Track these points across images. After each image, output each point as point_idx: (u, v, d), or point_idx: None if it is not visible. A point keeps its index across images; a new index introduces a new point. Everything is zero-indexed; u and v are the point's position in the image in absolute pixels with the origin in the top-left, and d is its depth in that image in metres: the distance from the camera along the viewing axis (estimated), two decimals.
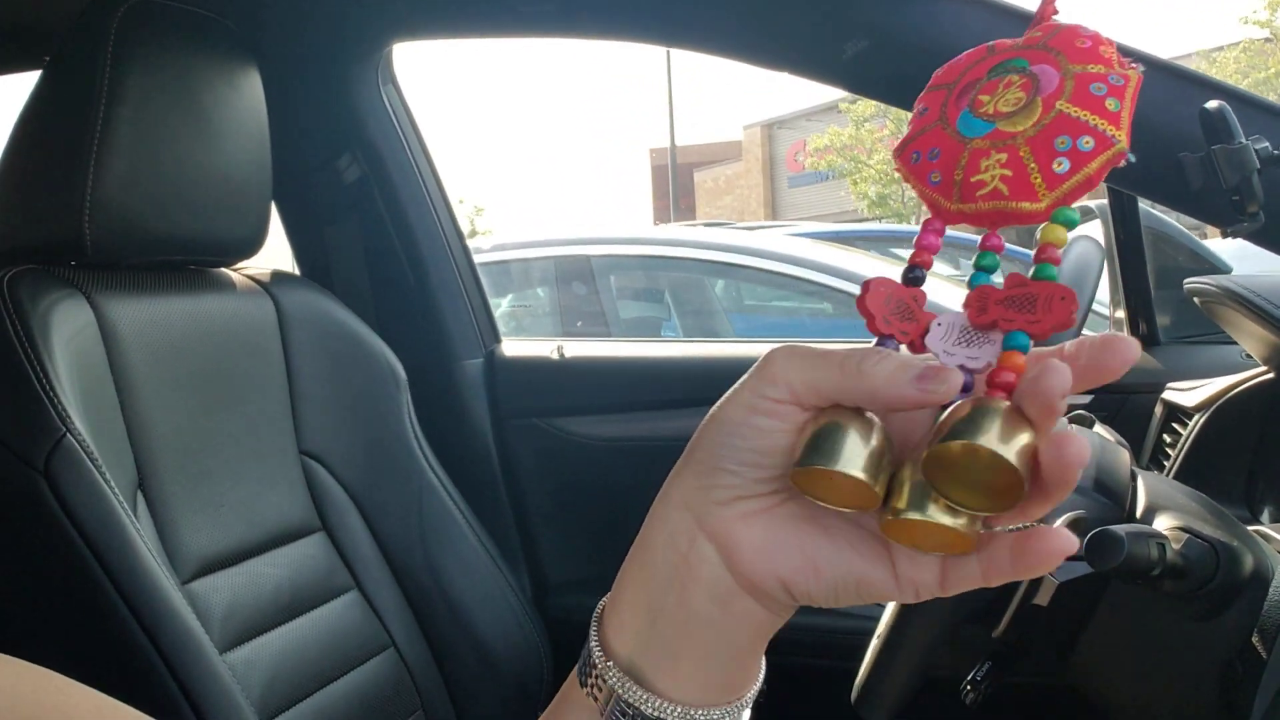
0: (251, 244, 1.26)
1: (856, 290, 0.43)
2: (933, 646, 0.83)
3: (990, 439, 0.35)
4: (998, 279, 0.41)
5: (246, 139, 1.22)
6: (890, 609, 0.88)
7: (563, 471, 1.66)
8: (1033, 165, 0.38)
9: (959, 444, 0.35)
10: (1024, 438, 0.36)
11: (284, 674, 1.16)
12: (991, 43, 0.43)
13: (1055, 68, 0.40)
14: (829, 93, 21.36)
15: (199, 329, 1.19)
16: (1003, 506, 0.37)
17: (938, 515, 0.37)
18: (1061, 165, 0.38)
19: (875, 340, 0.41)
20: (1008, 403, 0.36)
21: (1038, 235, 0.40)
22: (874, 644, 0.90)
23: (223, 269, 1.29)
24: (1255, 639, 0.73)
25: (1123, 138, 0.38)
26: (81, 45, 1.08)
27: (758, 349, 1.73)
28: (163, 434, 1.12)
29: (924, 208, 0.43)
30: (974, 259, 0.41)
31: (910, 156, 0.42)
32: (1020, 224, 0.39)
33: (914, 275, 0.43)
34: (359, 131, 1.55)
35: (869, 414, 0.39)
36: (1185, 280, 0.96)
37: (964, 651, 0.93)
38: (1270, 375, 1.08)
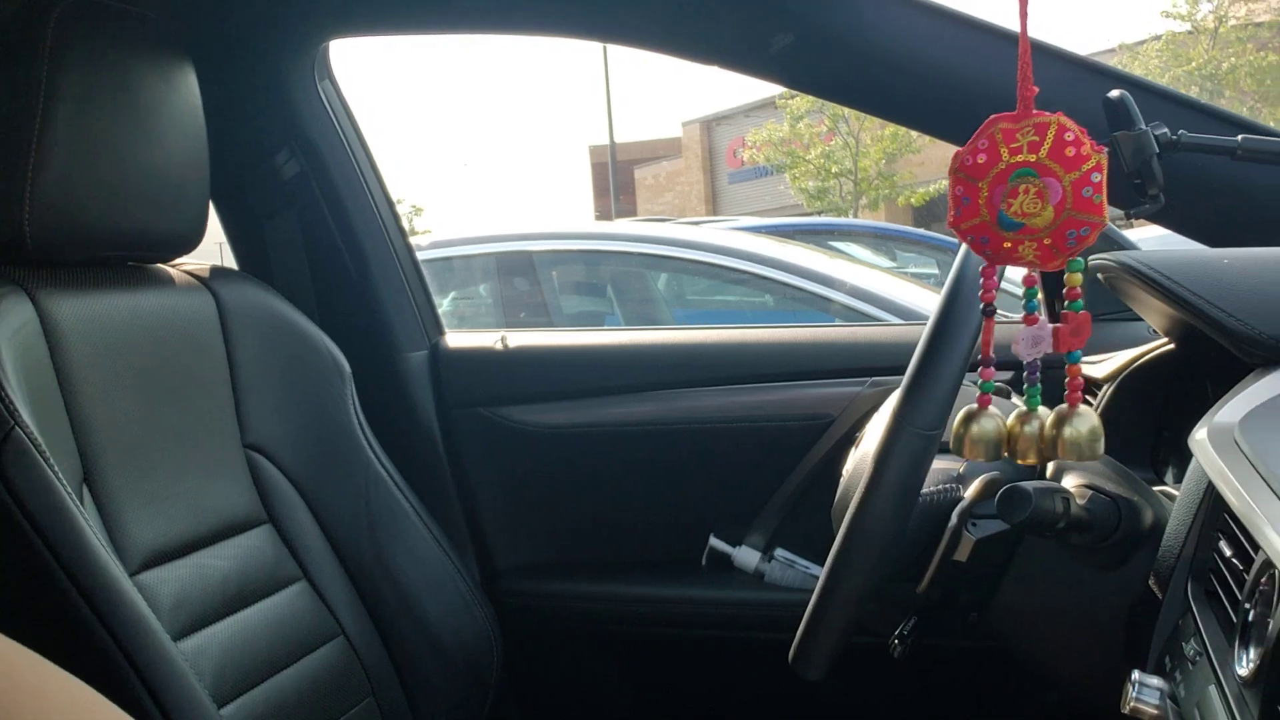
0: (190, 240, 1.27)
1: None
2: (861, 604, 0.88)
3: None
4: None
5: (183, 136, 1.23)
6: (824, 572, 0.92)
7: (509, 459, 1.69)
8: (1055, 249, 0.62)
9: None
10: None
11: (234, 663, 1.17)
12: (1001, 139, 0.63)
13: (1058, 180, 0.61)
14: (766, 89, 21.55)
15: (140, 325, 1.20)
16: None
17: None
18: (1071, 244, 0.62)
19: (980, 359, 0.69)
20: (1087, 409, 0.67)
21: (1065, 278, 0.64)
22: (809, 606, 0.95)
23: (162, 265, 1.30)
24: (1152, 582, 0.79)
25: (1105, 218, 0.61)
26: (18, 45, 1.08)
27: (699, 335, 1.78)
28: (106, 429, 1.13)
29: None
30: (1024, 292, 0.68)
31: (970, 237, 0.64)
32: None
33: (989, 310, 0.68)
34: (296, 127, 1.56)
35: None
36: (1090, 258, 1.02)
37: (891, 608, 0.98)
38: (1171, 346, 1.15)
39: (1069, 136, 0.61)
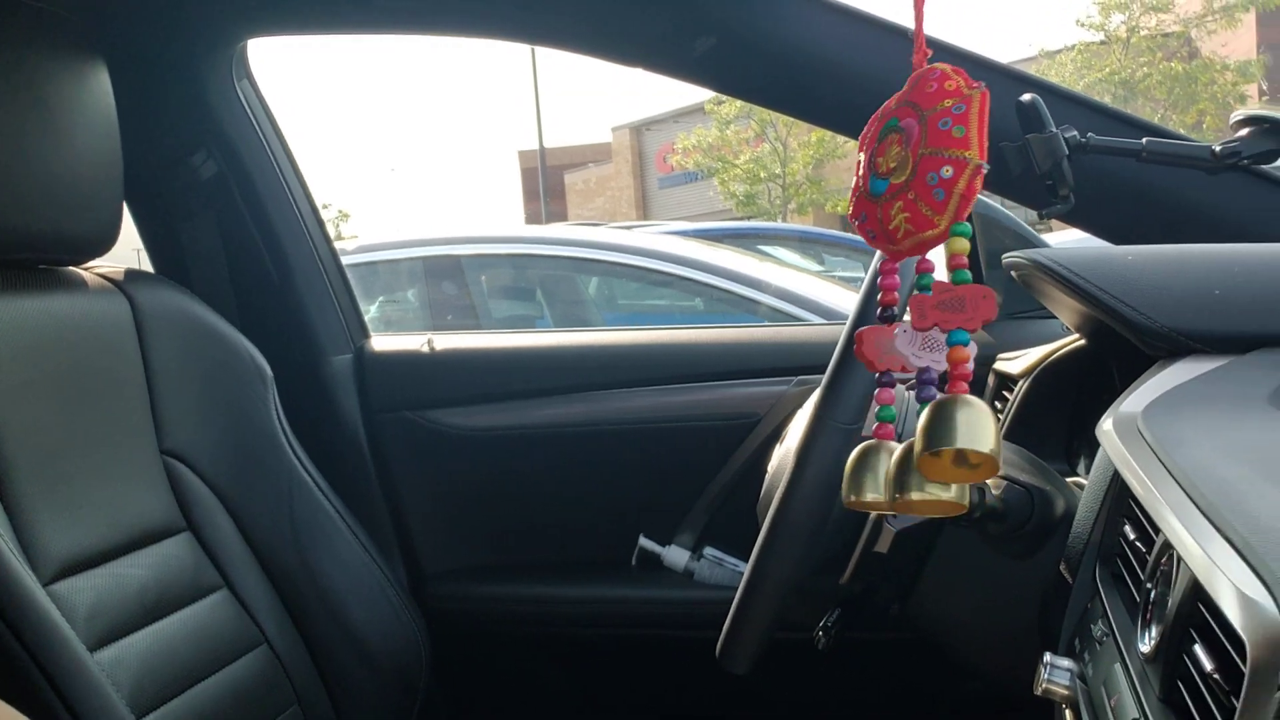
0: (103, 242, 1.24)
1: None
2: (785, 597, 0.89)
3: (965, 439, 0.47)
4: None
5: (94, 136, 1.20)
6: (749, 567, 0.94)
7: (437, 463, 1.68)
8: (921, 203, 0.49)
9: (946, 451, 0.47)
10: (990, 424, 0.47)
11: (153, 673, 1.14)
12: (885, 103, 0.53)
13: (915, 118, 0.50)
14: (695, 94, 21.69)
15: (51, 329, 1.17)
16: (985, 476, 0.49)
17: (937, 492, 0.52)
18: (939, 194, 0.49)
19: (877, 376, 0.55)
20: (969, 397, 0.48)
21: (944, 250, 0.50)
22: (734, 601, 0.96)
23: (74, 268, 1.27)
24: (1063, 568, 0.81)
25: (973, 154, 0.48)
26: None
27: (626, 336, 1.79)
28: (17, 436, 1.09)
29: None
30: (915, 279, 0.53)
31: (856, 219, 0.54)
32: (935, 245, 0.51)
33: (888, 315, 0.56)
34: (213, 128, 1.54)
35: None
36: (1003, 256, 1.05)
37: (815, 601, 0.99)
38: (1082, 342, 1.18)
39: (935, 75, 0.52)
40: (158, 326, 1.29)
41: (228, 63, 1.53)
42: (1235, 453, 0.60)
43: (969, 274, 0.50)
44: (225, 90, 1.54)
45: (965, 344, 0.49)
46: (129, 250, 1.54)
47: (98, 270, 1.30)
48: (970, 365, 0.50)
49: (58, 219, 1.16)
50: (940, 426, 0.47)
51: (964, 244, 0.50)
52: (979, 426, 0.47)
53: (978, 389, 1.43)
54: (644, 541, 1.61)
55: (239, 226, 1.58)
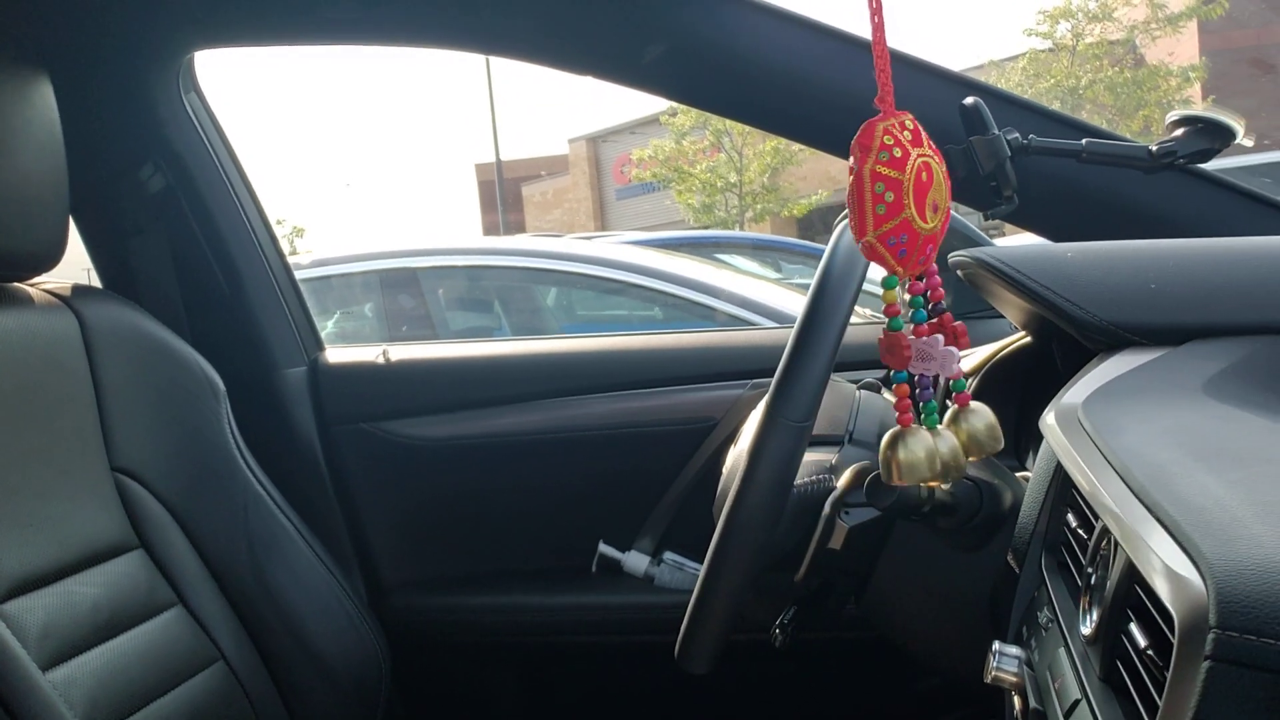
0: (48, 258, 1.22)
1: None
2: (741, 595, 0.90)
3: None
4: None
5: (38, 150, 1.19)
6: (704, 566, 0.94)
7: (394, 475, 1.67)
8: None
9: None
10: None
11: (107, 692, 1.13)
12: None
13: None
14: (650, 106, 21.76)
15: None
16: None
17: None
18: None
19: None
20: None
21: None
22: (690, 601, 0.96)
23: (20, 285, 1.25)
24: (1010, 558, 0.83)
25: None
26: None
27: (582, 344, 1.79)
28: None
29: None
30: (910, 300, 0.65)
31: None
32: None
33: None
34: (161, 141, 1.52)
35: None
36: (949, 255, 1.07)
37: (771, 599, 1.00)
38: (1028, 339, 1.21)
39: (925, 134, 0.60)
40: (107, 342, 1.28)
41: (175, 76, 1.52)
42: (1168, 438, 0.62)
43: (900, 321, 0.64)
44: (173, 103, 1.52)
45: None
46: (79, 270, 1.52)
47: (44, 286, 1.28)
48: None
49: (2, 235, 1.14)
50: None
51: (892, 296, 0.62)
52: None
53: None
54: (603, 548, 1.61)
55: (188, 240, 1.56)
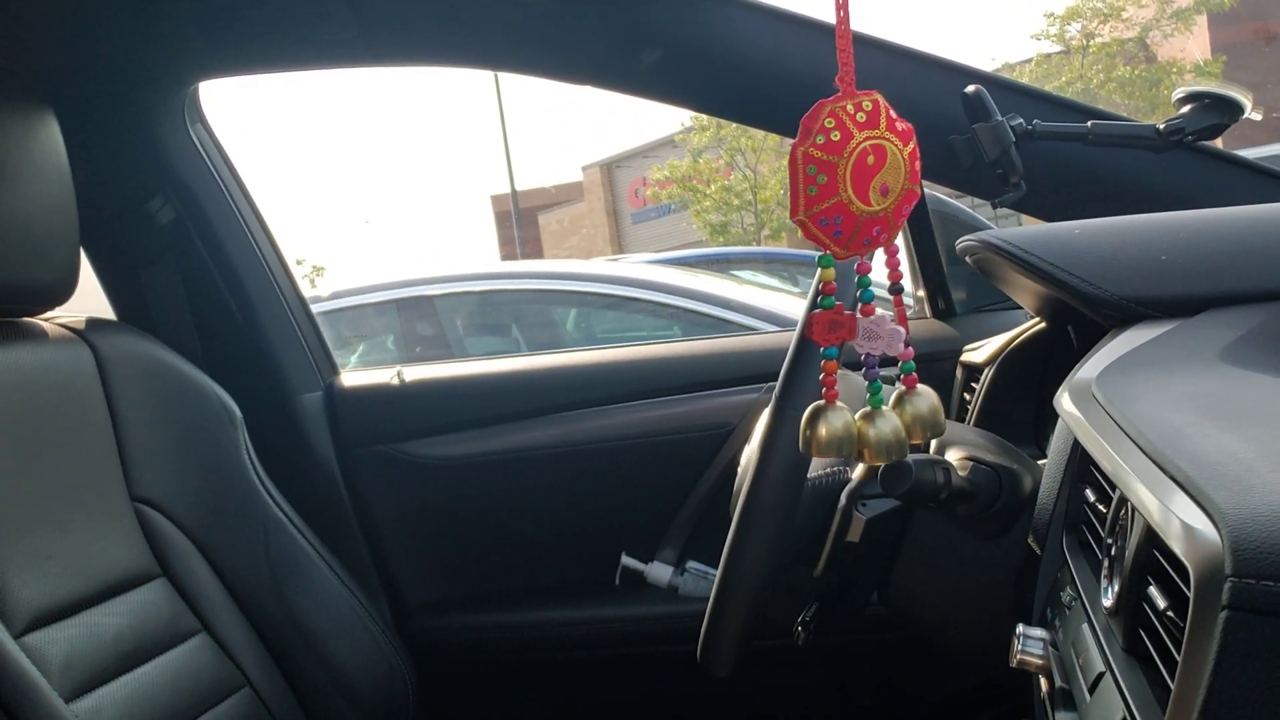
0: (60, 292, 1.23)
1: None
2: (760, 593, 0.89)
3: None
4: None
5: (46, 185, 1.20)
6: (721, 565, 0.93)
7: (414, 495, 1.67)
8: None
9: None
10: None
11: None
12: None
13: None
14: (663, 128, 21.81)
15: (12, 381, 1.16)
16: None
17: None
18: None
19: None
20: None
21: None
22: (709, 602, 0.95)
23: (34, 319, 1.26)
24: (1031, 540, 0.81)
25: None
26: None
27: (595, 355, 1.78)
28: None
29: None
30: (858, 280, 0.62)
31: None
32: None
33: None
34: (169, 173, 1.54)
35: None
36: (956, 241, 1.05)
37: (792, 597, 0.99)
38: (1042, 325, 1.19)
39: (893, 113, 0.58)
40: (122, 373, 1.28)
41: (180, 107, 1.53)
42: (1183, 403, 0.61)
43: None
44: (179, 135, 1.54)
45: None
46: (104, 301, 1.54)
47: (58, 320, 1.29)
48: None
49: (13, 270, 1.15)
50: None
51: (829, 274, 0.62)
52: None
53: (947, 384, 1.43)
54: (626, 560, 1.60)
55: (200, 269, 1.57)
